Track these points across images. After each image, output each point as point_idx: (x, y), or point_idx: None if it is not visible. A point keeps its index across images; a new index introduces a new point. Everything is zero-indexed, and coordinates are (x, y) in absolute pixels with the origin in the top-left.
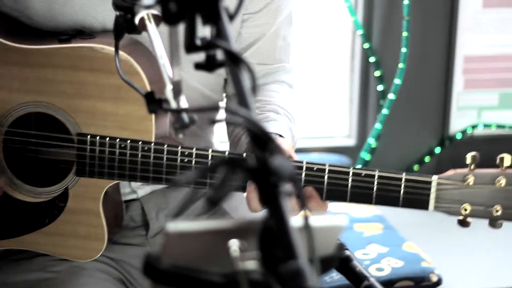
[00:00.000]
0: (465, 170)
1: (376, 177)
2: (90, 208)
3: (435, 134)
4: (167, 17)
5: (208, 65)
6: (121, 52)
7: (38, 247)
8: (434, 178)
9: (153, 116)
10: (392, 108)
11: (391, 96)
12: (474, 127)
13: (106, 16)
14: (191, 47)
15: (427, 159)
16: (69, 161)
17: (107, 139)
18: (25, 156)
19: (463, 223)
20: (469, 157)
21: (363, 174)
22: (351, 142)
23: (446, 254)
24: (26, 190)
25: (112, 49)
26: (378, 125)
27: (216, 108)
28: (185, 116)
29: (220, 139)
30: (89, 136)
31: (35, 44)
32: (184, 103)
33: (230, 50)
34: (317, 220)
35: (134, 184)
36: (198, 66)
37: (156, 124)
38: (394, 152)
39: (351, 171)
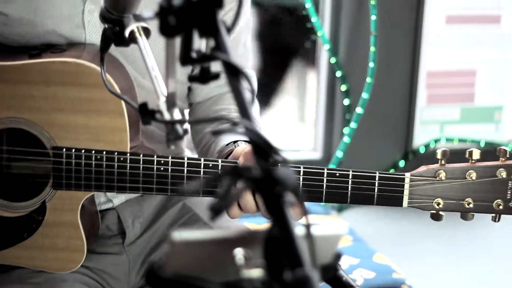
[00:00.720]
0: (436, 166)
1: (350, 176)
2: (68, 220)
3: (399, 147)
4: (165, 30)
5: (202, 78)
6: (92, 65)
7: (17, 261)
8: (407, 175)
9: (127, 126)
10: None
11: (359, 110)
12: (437, 141)
13: (73, 32)
14: (186, 59)
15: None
16: (45, 174)
17: (83, 151)
18: (0, 172)
19: (436, 217)
20: (439, 152)
21: (337, 174)
22: (317, 155)
23: (414, 265)
24: (3, 205)
25: (82, 62)
26: (346, 139)
27: (213, 120)
28: (179, 128)
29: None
30: (64, 149)
31: (6, 60)
32: (177, 115)
33: (230, 63)
34: (318, 229)
35: (109, 194)
36: (192, 79)
37: (130, 135)
38: (359, 165)
39: (325, 171)
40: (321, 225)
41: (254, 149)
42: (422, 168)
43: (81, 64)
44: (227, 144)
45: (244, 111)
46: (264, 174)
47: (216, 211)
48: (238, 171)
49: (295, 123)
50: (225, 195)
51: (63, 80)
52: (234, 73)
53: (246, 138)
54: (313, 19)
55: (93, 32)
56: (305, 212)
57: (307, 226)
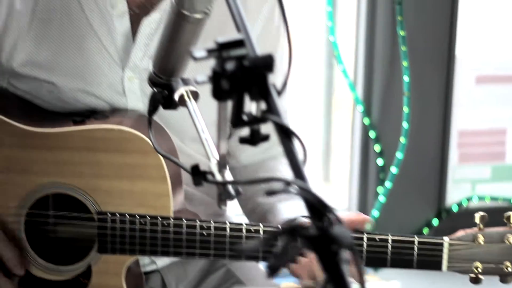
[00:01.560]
0: (474, 230)
1: (390, 241)
2: (113, 284)
3: (432, 206)
4: (217, 94)
5: (253, 140)
6: (135, 131)
7: None
8: (446, 240)
9: (170, 192)
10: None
11: (393, 170)
12: (469, 199)
13: (114, 98)
14: (238, 122)
15: (425, 230)
16: (90, 239)
17: (127, 216)
18: (47, 236)
19: (475, 280)
20: (478, 217)
21: (377, 239)
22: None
23: None
24: (49, 268)
25: (125, 129)
26: (382, 198)
27: (265, 180)
28: (231, 189)
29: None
30: (109, 214)
31: (50, 127)
32: (228, 176)
33: (283, 125)
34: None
35: None
36: (243, 141)
37: (172, 199)
38: (393, 224)
39: (365, 236)
40: (375, 285)
41: (309, 209)
42: (460, 233)
43: (124, 130)
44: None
45: (297, 171)
46: (320, 233)
47: (272, 269)
48: (295, 230)
49: (320, 183)
50: (282, 253)
51: (106, 147)
52: (286, 134)
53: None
54: (346, 80)
55: (133, 98)
56: (361, 271)
57: (363, 285)
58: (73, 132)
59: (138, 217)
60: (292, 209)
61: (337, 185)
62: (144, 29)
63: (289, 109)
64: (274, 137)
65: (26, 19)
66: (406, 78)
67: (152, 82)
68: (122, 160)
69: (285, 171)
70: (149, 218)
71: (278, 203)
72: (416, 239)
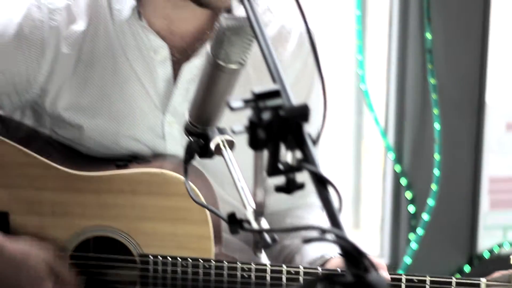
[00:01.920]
0: (510, 271)
1: (428, 282)
2: None
3: (463, 252)
4: (253, 144)
5: (288, 188)
6: (177, 175)
7: None
8: (483, 281)
9: (211, 234)
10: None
11: (425, 216)
12: (500, 245)
13: (154, 142)
14: (274, 171)
15: (457, 277)
16: (132, 281)
17: (169, 258)
18: (90, 278)
19: None
20: None
21: (415, 280)
22: (383, 261)
23: None
24: None
25: (167, 172)
26: (414, 245)
27: (303, 228)
28: (267, 237)
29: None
30: (151, 257)
31: (93, 171)
32: (265, 224)
33: (319, 174)
34: None
35: None
36: (279, 189)
37: (213, 242)
38: (425, 271)
39: (403, 277)
40: None
41: (345, 256)
42: (497, 274)
43: (166, 174)
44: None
45: (333, 219)
46: (357, 280)
47: None
48: (332, 277)
49: (350, 229)
50: None
51: (149, 190)
52: (322, 182)
53: (333, 250)
54: (377, 128)
55: (173, 143)
56: None
57: None
58: (117, 175)
59: (179, 259)
60: (318, 249)
61: (368, 231)
62: (185, 74)
63: (320, 155)
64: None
65: (72, 63)
66: (437, 126)
67: (188, 131)
68: (164, 203)
69: (313, 220)
70: (190, 260)
71: (304, 245)
72: (454, 280)
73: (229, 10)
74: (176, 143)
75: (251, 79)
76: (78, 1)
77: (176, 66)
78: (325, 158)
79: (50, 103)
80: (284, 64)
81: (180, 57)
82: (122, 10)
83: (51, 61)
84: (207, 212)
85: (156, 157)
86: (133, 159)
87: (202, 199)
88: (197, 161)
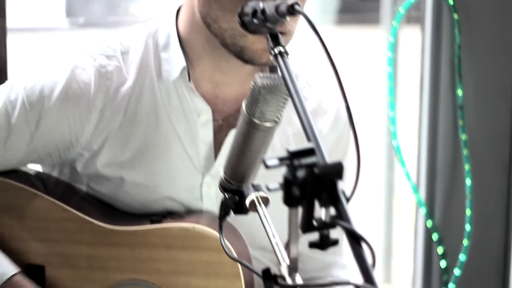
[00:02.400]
0: None
1: None
2: None
3: None
4: (288, 201)
5: (322, 244)
6: (211, 230)
7: None
8: None
9: None
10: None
11: (456, 272)
12: None
13: (191, 202)
14: (308, 227)
15: None
16: None
17: None
18: None
19: None
20: None
21: None
22: None
23: None
24: None
25: (202, 227)
26: None
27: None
28: None
29: None
30: None
31: (128, 225)
32: (299, 280)
33: (353, 230)
34: None
35: None
36: (312, 245)
37: None
38: None
39: None
40: None
41: None
42: None
43: (200, 229)
44: None
45: (367, 276)
46: None
47: None
48: None
49: (381, 284)
50: None
51: (183, 244)
52: (355, 239)
53: None
54: (409, 183)
55: (210, 203)
56: None
57: None
58: (151, 230)
59: None
60: None
61: (399, 286)
62: (230, 140)
63: (353, 211)
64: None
65: (116, 122)
66: (468, 181)
67: (223, 187)
68: (198, 257)
69: (341, 275)
70: None
71: None
72: None
73: (273, 68)
74: (212, 204)
75: (289, 137)
76: (128, 62)
77: (218, 131)
78: (357, 214)
79: (90, 160)
80: (323, 137)
81: (222, 122)
82: (171, 70)
83: (96, 122)
84: (240, 267)
85: (190, 213)
86: (168, 214)
87: (234, 254)
88: (231, 219)
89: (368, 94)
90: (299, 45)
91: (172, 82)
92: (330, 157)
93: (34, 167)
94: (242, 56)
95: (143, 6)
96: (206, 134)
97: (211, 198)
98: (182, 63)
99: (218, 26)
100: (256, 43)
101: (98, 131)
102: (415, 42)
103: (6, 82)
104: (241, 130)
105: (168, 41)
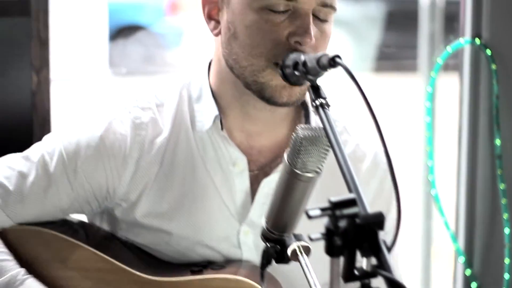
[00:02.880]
0: None
1: None
2: None
3: None
4: (330, 250)
5: None
6: (251, 281)
7: None
8: None
9: None
10: None
11: None
12: None
13: (230, 251)
14: (349, 277)
15: None
16: None
17: None
18: None
19: None
20: None
21: None
22: None
23: None
24: None
25: (241, 279)
26: None
27: None
28: None
29: None
30: None
31: (168, 276)
32: None
33: (395, 281)
34: None
35: None
36: None
37: None
38: None
39: None
40: None
41: None
42: None
43: (241, 280)
44: None
45: None
46: None
47: None
48: None
49: None
50: None
51: None
52: None
53: None
54: (447, 232)
55: (248, 252)
56: None
57: None
58: (192, 281)
59: None
60: None
61: None
62: (263, 189)
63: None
64: None
65: (153, 173)
66: (506, 230)
67: (265, 237)
68: None
69: None
70: None
71: None
72: None
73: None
74: (251, 252)
75: (329, 186)
76: (163, 114)
77: (254, 180)
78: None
79: (129, 210)
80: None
81: (257, 172)
82: (204, 121)
83: (132, 173)
84: None
85: (230, 263)
86: (208, 264)
87: None
88: (270, 268)
89: (405, 142)
90: (335, 89)
91: (206, 132)
92: (372, 205)
93: (77, 216)
94: (263, 94)
95: (178, 56)
96: (242, 183)
97: (249, 246)
98: (214, 112)
99: (239, 66)
100: (274, 79)
101: (135, 182)
102: (452, 90)
103: (47, 134)
104: (283, 180)
105: (201, 93)
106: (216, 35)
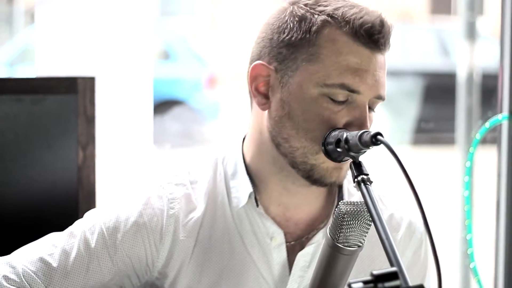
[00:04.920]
0: None
1: None
2: None
3: None
4: None
5: None
6: None
7: None
8: None
9: None
10: None
11: None
12: None
13: None
14: None
15: None
16: None
17: None
18: None
19: None
20: None
21: None
22: None
23: None
24: None
25: None
26: None
27: None
28: None
29: None
30: None
31: None
32: None
33: None
34: None
35: None
36: None
37: None
38: None
39: None
40: None
41: None
42: None
43: None
44: None
45: None
46: None
47: None
48: None
49: None
50: None
51: None
52: None
53: None
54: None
55: None
56: None
57: None
58: None
59: None
60: None
61: None
62: (299, 262)
63: None
64: None
65: (190, 248)
66: None
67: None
68: None
69: None
70: None
71: None
72: None
73: (340, 187)
74: None
75: (363, 257)
76: (197, 190)
77: (291, 252)
78: None
79: (169, 286)
80: (399, 246)
81: (294, 243)
82: (239, 197)
83: (169, 247)
84: None
85: None
86: None
87: None
88: None
89: (443, 215)
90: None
91: (242, 208)
92: (407, 273)
93: None
94: (311, 175)
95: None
96: (280, 256)
97: None
98: (249, 189)
99: (289, 145)
100: (327, 162)
101: (173, 256)
102: (490, 162)
103: (88, 211)
104: (325, 253)
105: (236, 169)
106: (264, 109)
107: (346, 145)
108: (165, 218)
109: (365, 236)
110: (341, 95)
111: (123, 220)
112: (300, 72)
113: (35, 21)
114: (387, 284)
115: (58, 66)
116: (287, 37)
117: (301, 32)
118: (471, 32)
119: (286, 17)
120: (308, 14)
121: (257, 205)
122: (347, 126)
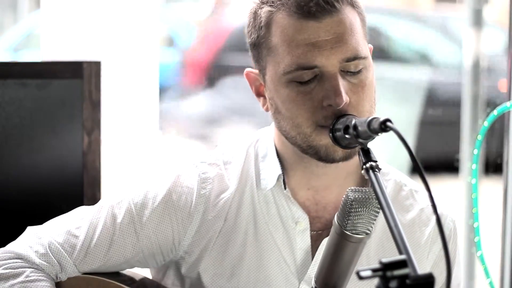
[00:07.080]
0: None
1: None
2: None
3: None
4: None
5: None
6: None
7: None
8: None
9: None
10: None
11: None
12: None
13: None
14: None
15: None
16: None
17: None
18: None
19: None
20: None
21: None
22: None
23: None
24: None
25: None
26: None
27: None
28: None
29: None
30: None
31: None
32: None
33: None
34: None
35: None
36: None
37: None
38: None
39: None
40: None
41: None
42: None
43: None
44: None
45: None
46: None
47: None
48: None
49: None
50: None
51: None
52: None
53: None
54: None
55: None
56: None
57: None
58: None
59: None
60: None
61: None
62: (323, 247)
63: None
64: None
65: (217, 227)
66: None
67: None
68: None
69: None
70: None
71: None
72: None
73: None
74: None
75: (371, 247)
76: (230, 170)
77: (314, 238)
78: None
79: (192, 264)
80: (422, 248)
81: (319, 230)
82: (268, 179)
83: (197, 226)
84: None
85: None
86: None
87: None
88: None
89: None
90: None
91: (270, 190)
92: (436, 267)
93: (139, 271)
94: (320, 155)
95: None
96: (303, 242)
97: None
98: (278, 171)
99: (290, 136)
100: (323, 139)
101: (199, 235)
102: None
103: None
104: (333, 241)
105: (267, 152)
106: (266, 110)
107: (354, 131)
108: (195, 197)
109: (373, 223)
110: (305, 75)
111: (151, 197)
112: (269, 68)
113: (41, 5)
114: (395, 272)
115: (64, 52)
116: (251, 38)
117: (256, 30)
118: (478, 20)
119: (249, 19)
120: (258, 10)
121: (285, 188)
122: (324, 101)
